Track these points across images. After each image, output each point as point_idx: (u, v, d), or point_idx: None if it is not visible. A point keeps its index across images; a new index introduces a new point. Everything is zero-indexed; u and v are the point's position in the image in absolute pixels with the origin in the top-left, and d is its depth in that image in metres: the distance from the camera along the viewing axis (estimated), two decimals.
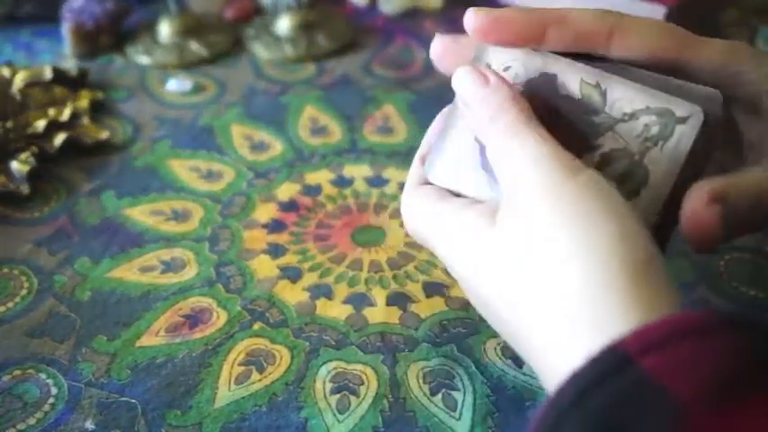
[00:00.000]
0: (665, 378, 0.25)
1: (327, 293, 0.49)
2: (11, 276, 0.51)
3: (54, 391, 0.43)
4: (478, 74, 0.36)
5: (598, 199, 0.31)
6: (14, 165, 0.58)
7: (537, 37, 0.36)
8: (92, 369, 0.44)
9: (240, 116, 0.66)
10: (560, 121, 0.36)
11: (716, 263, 0.51)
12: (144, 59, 0.73)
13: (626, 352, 0.26)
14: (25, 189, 0.57)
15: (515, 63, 0.37)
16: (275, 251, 0.52)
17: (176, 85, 0.70)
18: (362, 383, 0.43)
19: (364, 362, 0.44)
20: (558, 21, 0.36)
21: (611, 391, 0.26)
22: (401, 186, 0.57)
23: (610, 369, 0.26)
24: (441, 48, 0.41)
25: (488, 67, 0.38)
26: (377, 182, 0.58)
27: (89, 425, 0.41)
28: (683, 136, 0.35)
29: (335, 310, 0.48)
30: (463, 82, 0.37)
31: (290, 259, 0.52)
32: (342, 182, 0.58)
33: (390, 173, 0.59)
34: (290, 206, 0.56)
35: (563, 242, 0.30)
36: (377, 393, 0.43)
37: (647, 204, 0.35)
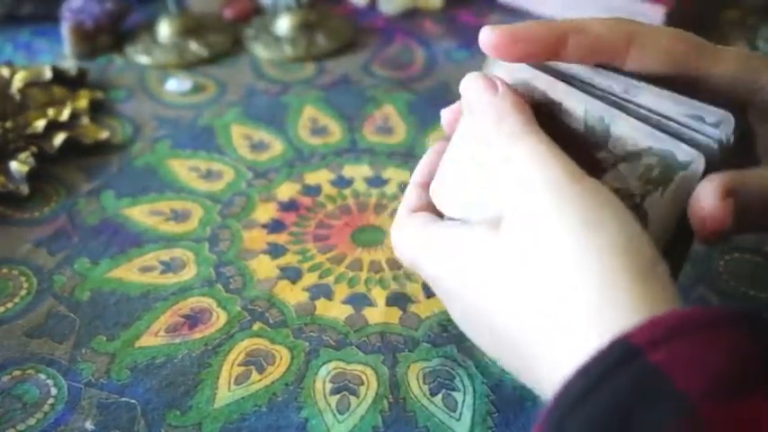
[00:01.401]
0: (674, 370, 0.25)
1: (327, 294, 0.49)
2: (10, 277, 0.51)
3: (54, 391, 0.43)
4: (487, 80, 0.36)
5: (603, 204, 0.31)
6: (14, 165, 0.58)
7: (555, 51, 0.36)
8: (91, 369, 0.44)
9: (240, 116, 0.66)
10: (564, 150, 0.35)
11: (716, 263, 0.51)
12: (143, 59, 0.73)
13: (634, 344, 0.26)
14: (25, 189, 0.57)
15: (520, 87, 0.37)
16: (275, 251, 0.52)
17: (176, 85, 0.70)
18: (362, 384, 0.43)
19: (364, 362, 0.44)
20: (576, 32, 0.36)
21: (619, 382, 0.26)
22: (401, 186, 0.57)
23: (618, 361, 0.26)
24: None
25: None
26: (377, 182, 0.58)
27: (89, 425, 0.41)
28: (684, 181, 0.34)
29: (335, 311, 0.48)
30: (471, 86, 0.37)
31: (289, 259, 0.52)
32: (342, 182, 0.58)
33: (390, 173, 0.59)
34: (289, 206, 0.56)
35: (570, 246, 0.30)
36: (377, 393, 0.43)
37: None
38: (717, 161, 0.34)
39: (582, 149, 0.35)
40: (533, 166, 0.32)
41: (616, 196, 0.32)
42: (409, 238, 0.38)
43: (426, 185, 0.41)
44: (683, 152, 0.34)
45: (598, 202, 0.31)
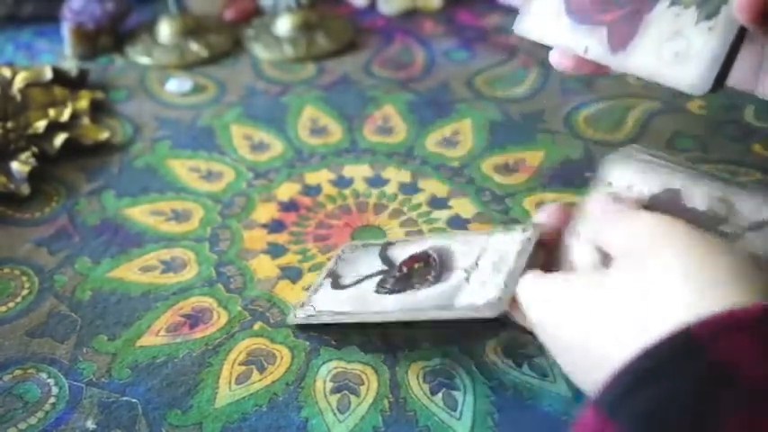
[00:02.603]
0: (737, 359, 0.25)
1: None
2: (12, 276, 0.51)
3: (55, 390, 0.43)
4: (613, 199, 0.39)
5: (739, 260, 0.31)
6: (15, 165, 0.58)
7: None
8: (92, 369, 0.44)
9: (240, 116, 0.66)
10: None
11: None
12: (144, 60, 0.73)
13: (696, 336, 0.27)
14: (26, 189, 0.57)
15: (638, 180, 0.39)
16: (275, 251, 0.52)
17: (176, 85, 0.70)
18: (363, 383, 0.43)
19: (365, 362, 0.44)
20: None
21: (680, 370, 0.26)
22: (401, 186, 0.57)
23: (680, 350, 0.27)
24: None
25: (610, 185, 0.40)
26: (377, 182, 0.58)
27: (90, 424, 0.41)
28: None
29: None
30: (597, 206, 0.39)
31: (290, 259, 0.52)
32: (342, 182, 0.58)
33: (390, 173, 0.59)
34: (290, 206, 0.56)
35: (677, 275, 0.31)
36: (377, 393, 0.43)
37: None
38: None
39: (705, 226, 0.36)
40: (646, 222, 0.35)
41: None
42: (541, 294, 0.38)
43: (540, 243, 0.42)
44: None
45: (710, 240, 0.32)
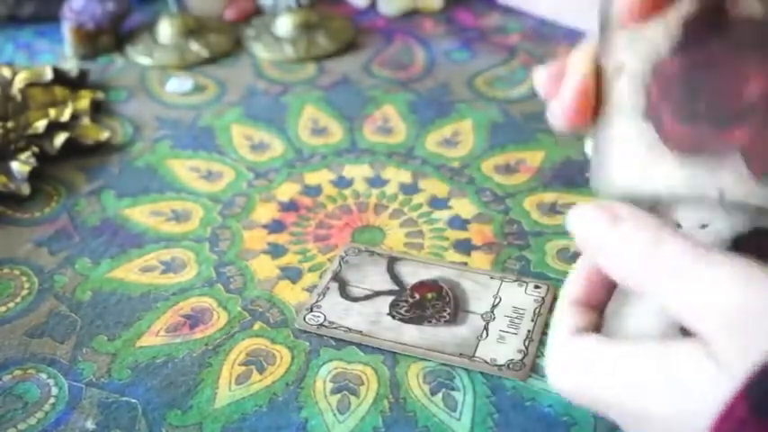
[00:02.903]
0: None
1: None
2: (11, 276, 0.51)
3: (55, 390, 0.43)
4: (607, 211, 0.28)
5: None
6: (15, 165, 0.58)
7: None
8: (92, 369, 0.44)
9: (240, 116, 0.66)
10: None
11: None
12: (144, 60, 0.73)
13: None
14: (26, 189, 0.57)
15: (715, 218, 0.28)
16: (275, 251, 0.52)
17: (176, 85, 0.70)
18: (363, 383, 0.43)
19: (365, 362, 0.44)
20: None
21: None
22: (401, 187, 0.57)
23: None
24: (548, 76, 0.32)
25: (678, 225, 0.29)
26: (377, 182, 0.58)
27: (90, 425, 0.41)
28: None
29: None
30: (585, 225, 0.29)
31: (290, 259, 0.52)
32: (342, 182, 0.58)
33: (390, 173, 0.59)
34: (290, 206, 0.56)
35: None
36: (377, 393, 0.43)
37: None
38: None
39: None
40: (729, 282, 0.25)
41: None
42: (575, 362, 0.31)
43: (583, 303, 0.33)
44: None
45: None
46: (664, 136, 0.27)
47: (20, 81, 0.65)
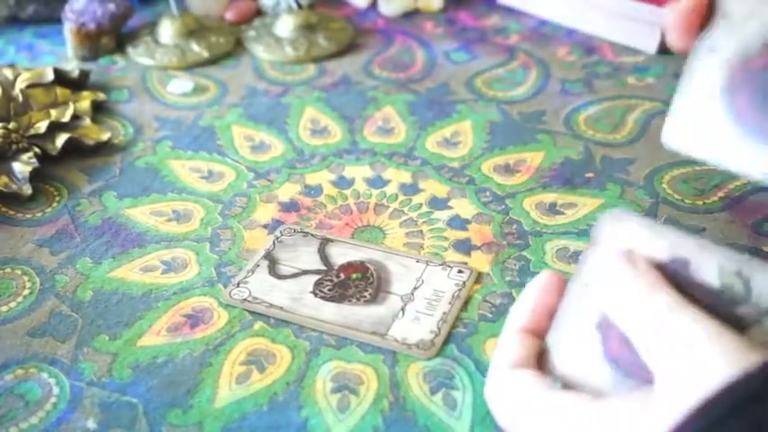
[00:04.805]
0: None
1: None
2: (13, 276, 0.51)
3: (56, 390, 0.43)
4: (628, 256, 0.32)
5: None
6: (17, 165, 0.58)
7: None
8: (93, 368, 0.44)
9: (241, 117, 0.66)
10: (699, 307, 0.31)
11: None
12: (145, 61, 0.73)
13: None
14: (27, 189, 0.57)
15: (641, 245, 0.32)
16: None
17: (177, 86, 0.70)
18: (363, 383, 0.43)
19: (365, 362, 0.45)
20: None
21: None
22: (401, 187, 0.57)
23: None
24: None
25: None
26: (377, 182, 0.58)
27: (90, 424, 0.41)
28: None
29: None
30: (611, 262, 0.32)
31: None
32: (342, 182, 0.59)
33: (390, 173, 0.59)
34: (290, 206, 0.56)
35: None
36: (377, 393, 0.43)
37: None
38: None
39: (718, 305, 0.31)
40: (702, 340, 0.29)
41: None
42: (513, 397, 0.33)
43: (529, 331, 0.35)
44: None
45: None
46: (735, 115, 0.31)
47: (21, 82, 0.65)
